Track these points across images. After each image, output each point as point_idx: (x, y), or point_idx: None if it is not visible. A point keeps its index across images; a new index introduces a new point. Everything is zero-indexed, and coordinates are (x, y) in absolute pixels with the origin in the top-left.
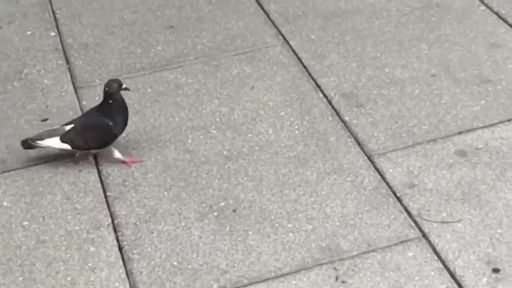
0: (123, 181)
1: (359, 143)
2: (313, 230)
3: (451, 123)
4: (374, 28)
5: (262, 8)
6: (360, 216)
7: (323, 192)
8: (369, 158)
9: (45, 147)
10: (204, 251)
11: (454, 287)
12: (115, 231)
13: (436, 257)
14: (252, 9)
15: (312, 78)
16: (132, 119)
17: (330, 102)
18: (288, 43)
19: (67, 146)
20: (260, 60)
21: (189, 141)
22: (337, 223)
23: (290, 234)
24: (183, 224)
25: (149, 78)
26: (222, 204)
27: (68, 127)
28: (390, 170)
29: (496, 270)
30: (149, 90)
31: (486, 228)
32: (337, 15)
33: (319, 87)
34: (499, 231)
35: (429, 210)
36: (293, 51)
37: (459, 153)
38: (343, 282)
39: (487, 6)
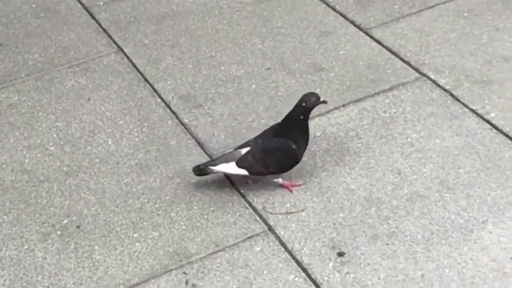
0: None
1: (200, 144)
2: (159, 237)
3: None
4: (207, 28)
5: (93, 17)
6: (206, 217)
7: (167, 198)
8: (211, 158)
9: (218, 173)
10: (49, 272)
11: (302, 276)
12: None
13: (283, 249)
14: (83, 19)
15: (149, 83)
16: None
17: (168, 106)
18: (122, 50)
19: (244, 172)
20: (94, 71)
21: (26, 160)
22: (184, 227)
23: (137, 243)
24: (25, 247)
25: None
26: (65, 221)
27: (243, 151)
28: None
29: (341, 254)
30: None
31: (329, 214)
32: (170, 18)
33: (156, 91)
34: (341, 215)
35: (273, 203)
36: (128, 58)
37: None
38: (193, 285)
39: None
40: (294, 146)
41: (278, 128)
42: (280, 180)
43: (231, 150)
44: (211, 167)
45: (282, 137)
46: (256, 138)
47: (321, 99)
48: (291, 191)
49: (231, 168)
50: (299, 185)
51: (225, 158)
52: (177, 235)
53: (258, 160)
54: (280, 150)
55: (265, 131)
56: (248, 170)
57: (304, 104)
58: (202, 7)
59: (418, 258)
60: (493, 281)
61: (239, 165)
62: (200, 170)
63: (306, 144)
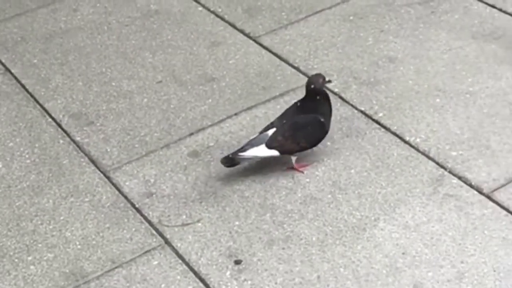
0: None
1: (93, 161)
2: (54, 258)
3: (181, 126)
4: (96, 44)
5: None
6: (101, 234)
7: (62, 218)
8: (104, 175)
9: (250, 158)
10: None
11: (200, 287)
12: None
13: (180, 261)
14: None
15: (39, 103)
16: None
17: (59, 125)
18: (9, 71)
19: (275, 152)
20: None
21: None
22: (79, 246)
23: (31, 266)
24: None
25: None
26: None
27: (270, 132)
28: (127, 183)
29: (238, 262)
30: None
31: (225, 223)
32: (58, 36)
33: (46, 111)
34: (237, 223)
35: (169, 216)
36: (16, 78)
37: (192, 154)
38: None
39: (204, 6)
40: (322, 119)
41: (300, 107)
42: (293, 163)
43: (255, 135)
44: (241, 154)
45: (310, 112)
46: (279, 119)
47: (327, 79)
48: (301, 172)
49: (261, 151)
50: (306, 167)
51: (252, 144)
52: (72, 255)
53: (288, 137)
54: (309, 124)
55: (286, 112)
56: (279, 150)
57: (313, 86)
58: (90, 24)
59: (313, 260)
60: (386, 276)
61: (269, 146)
62: (230, 160)
63: (330, 116)
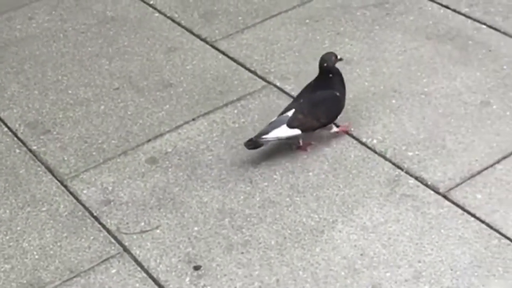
0: None
1: (50, 170)
2: (12, 269)
3: (139, 132)
4: (52, 52)
5: None
6: (59, 244)
7: (19, 228)
8: (62, 183)
9: (273, 140)
10: None
11: None
12: None
13: (139, 268)
14: None
15: None
16: None
17: (15, 135)
18: None
19: (296, 131)
20: None
21: None
22: (37, 256)
23: None
24: None
25: None
26: None
27: (289, 113)
28: (85, 191)
29: (197, 267)
30: None
31: (183, 229)
32: (13, 44)
33: (2, 121)
34: (196, 229)
35: (127, 223)
36: None
37: (150, 160)
38: None
39: (160, 12)
40: (338, 94)
41: (315, 85)
42: (334, 128)
43: (274, 118)
44: (264, 136)
45: (326, 89)
46: (295, 100)
47: (339, 57)
48: (347, 132)
49: (283, 131)
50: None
51: (273, 126)
52: (30, 265)
53: (308, 115)
54: (327, 99)
55: (301, 93)
56: (300, 128)
57: (325, 64)
58: (46, 32)
59: (272, 264)
60: (345, 278)
61: (290, 126)
62: (253, 143)
63: (345, 91)
